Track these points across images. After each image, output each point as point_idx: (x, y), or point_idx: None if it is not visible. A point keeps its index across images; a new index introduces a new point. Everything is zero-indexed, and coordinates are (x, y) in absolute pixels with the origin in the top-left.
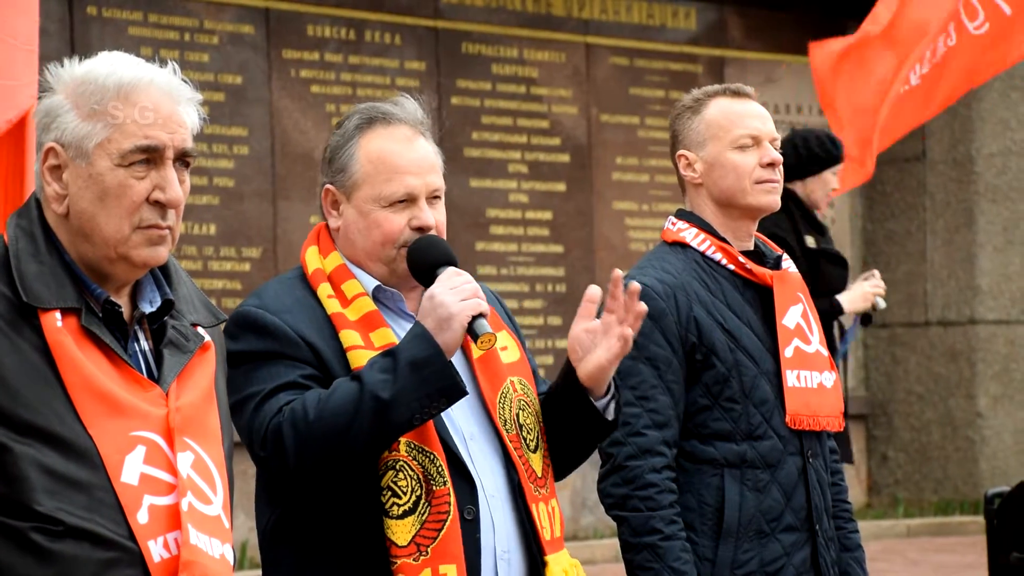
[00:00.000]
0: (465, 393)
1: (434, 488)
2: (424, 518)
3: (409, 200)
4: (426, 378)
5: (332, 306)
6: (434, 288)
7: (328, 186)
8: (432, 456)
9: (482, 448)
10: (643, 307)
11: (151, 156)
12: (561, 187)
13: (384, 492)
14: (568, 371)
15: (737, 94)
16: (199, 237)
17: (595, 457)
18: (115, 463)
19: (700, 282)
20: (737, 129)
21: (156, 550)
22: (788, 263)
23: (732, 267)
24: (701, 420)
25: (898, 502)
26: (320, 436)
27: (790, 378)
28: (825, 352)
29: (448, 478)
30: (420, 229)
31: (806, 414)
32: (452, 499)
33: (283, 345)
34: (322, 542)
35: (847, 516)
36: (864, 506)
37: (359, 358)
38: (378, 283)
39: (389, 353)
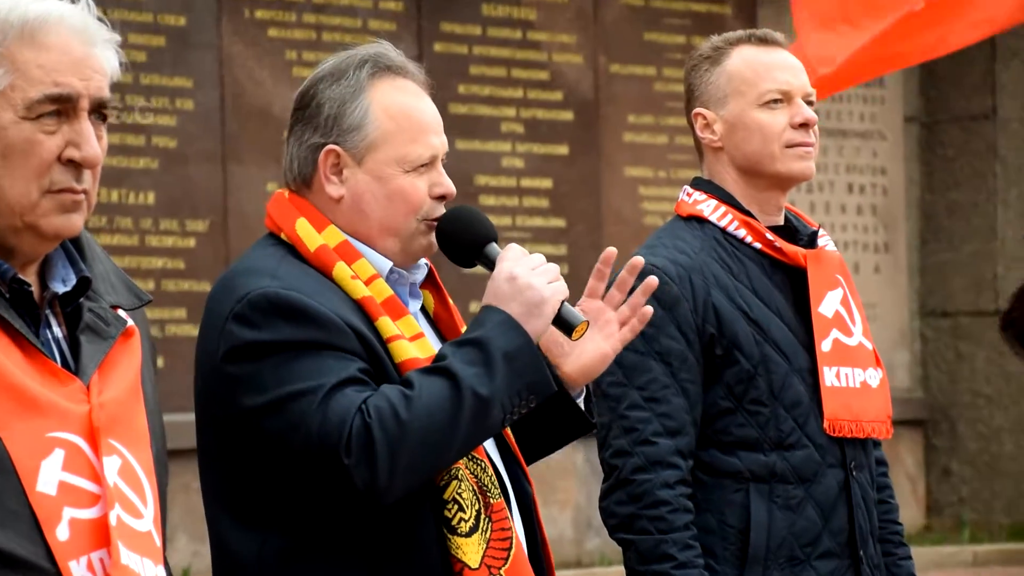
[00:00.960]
0: (555, 390)
1: (491, 501)
2: (488, 536)
3: (430, 163)
4: (519, 371)
5: (358, 289)
6: (513, 268)
7: (332, 147)
8: (483, 464)
9: (491, 450)
10: (653, 281)
11: (62, 107)
12: (563, 150)
13: (450, 506)
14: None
15: (764, 41)
16: (135, 207)
17: (598, 468)
18: (29, 470)
19: (720, 263)
20: (764, 83)
21: (79, 572)
22: (826, 240)
23: (758, 245)
24: (722, 426)
25: (963, 525)
26: (419, 440)
27: (828, 376)
28: (869, 345)
29: (499, 489)
30: (442, 198)
31: (847, 418)
32: (510, 514)
33: (331, 334)
34: (370, 567)
35: (897, 540)
36: (922, 529)
37: (405, 349)
38: (391, 264)
39: (467, 342)
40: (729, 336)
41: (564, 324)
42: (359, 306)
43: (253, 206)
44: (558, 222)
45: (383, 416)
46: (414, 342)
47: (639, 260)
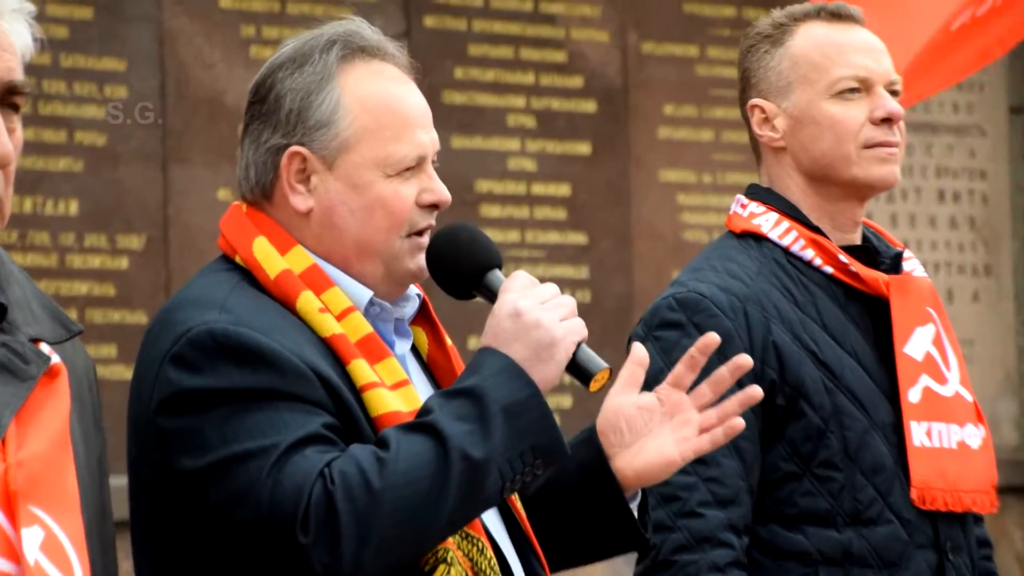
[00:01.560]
0: (567, 455)
1: None
2: None
3: (417, 165)
4: (522, 430)
5: (327, 325)
6: (518, 301)
7: (296, 149)
8: (480, 544)
9: (496, 528)
10: (757, 392)
11: None
12: (584, 149)
13: None
14: (593, 450)
15: (838, 17)
16: (53, 219)
17: None
18: None
19: (782, 291)
20: (837, 68)
21: None
22: (913, 263)
23: (829, 269)
24: (785, 495)
25: None
26: (394, 513)
27: (916, 433)
28: (969, 396)
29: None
30: (435, 206)
31: (941, 487)
32: None
33: (290, 381)
34: None
35: None
36: None
37: (383, 401)
38: (371, 293)
39: (460, 392)
40: (793, 382)
41: (580, 372)
42: (327, 346)
43: (200, 218)
44: (578, 238)
45: (350, 483)
46: (396, 391)
47: (746, 361)
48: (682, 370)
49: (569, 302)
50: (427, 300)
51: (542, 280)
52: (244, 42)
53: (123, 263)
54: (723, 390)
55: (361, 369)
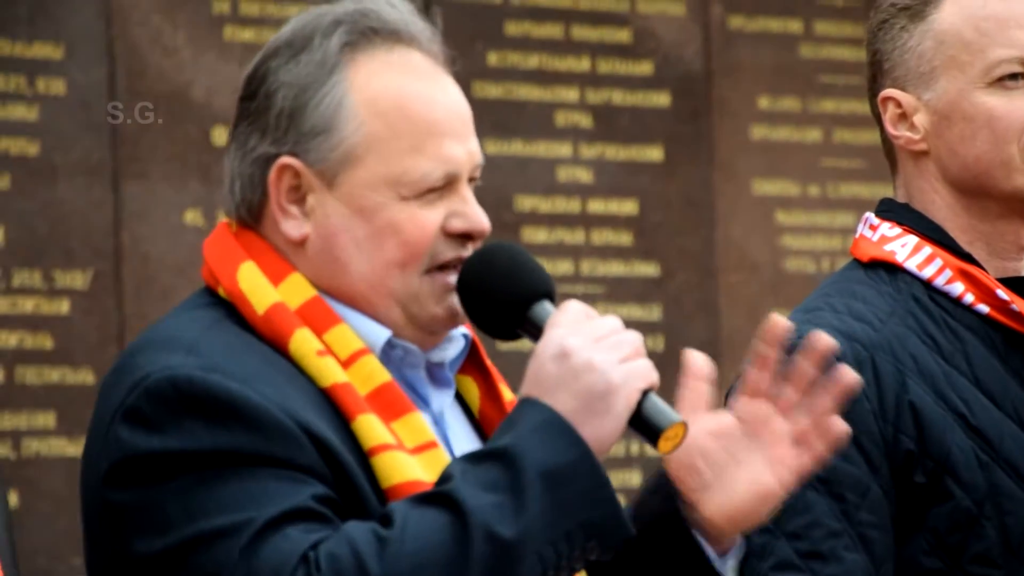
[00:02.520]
0: (631, 533)
1: None
2: None
3: (447, 186)
4: (568, 503)
5: (327, 372)
6: (566, 339)
7: (287, 160)
8: None
9: None
10: (852, 377)
11: None
12: (655, 154)
13: None
14: (665, 500)
15: None
16: None
17: None
18: None
19: (922, 337)
20: (997, 48)
21: None
22: None
23: (984, 309)
24: None
25: None
26: None
27: None
28: None
29: None
30: (467, 236)
31: None
32: None
33: (272, 441)
34: None
35: None
36: None
37: (398, 467)
38: (390, 333)
39: (491, 455)
40: (937, 454)
41: (646, 427)
42: (328, 398)
43: (162, 247)
44: (647, 269)
45: (341, 569)
46: (419, 455)
47: (823, 338)
48: (756, 373)
49: (633, 339)
50: (477, 341)
51: None
52: (216, 20)
53: (62, 307)
54: (809, 384)
55: (370, 427)
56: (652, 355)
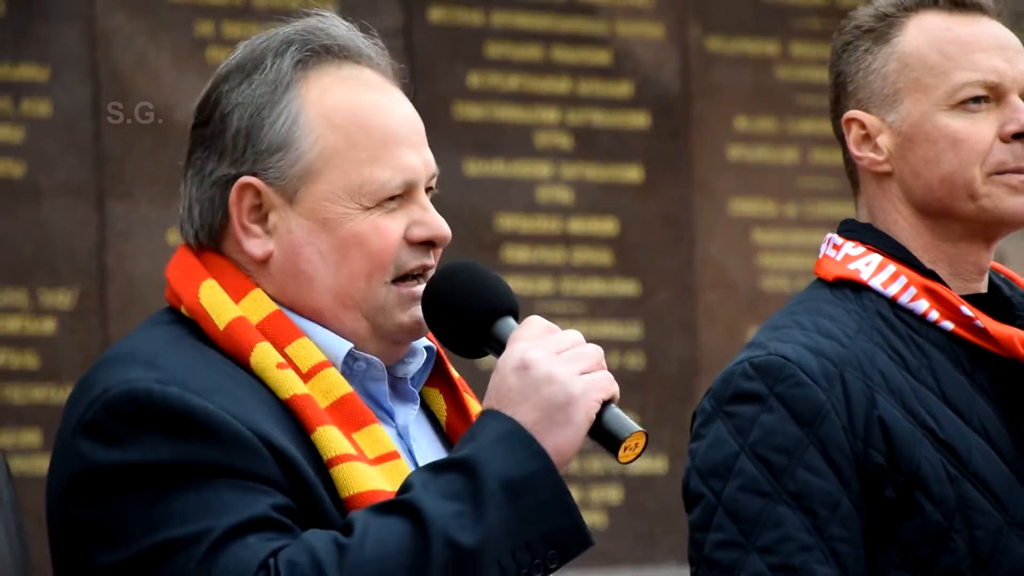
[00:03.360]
0: (592, 542)
1: None
2: None
3: (406, 194)
4: (529, 512)
5: (288, 382)
6: (527, 352)
7: (248, 180)
8: None
9: None
10: None
11: None
12: (634, 174)
13: None
14: None
15: (961, 5)
16: None
17: None
18: None
19: (889, 353)
20: (959, 71)
21: None
22: None
23: (949, 326)
24: None
25: None
26: None
27: None
28: None
29: None
30: (426, 244)
31: None
32: None
33: (231, 453)
34: None
35: None
36: None
37: (357, 477)
38: (351, 345)
39: (453, 465)
40: (907, 469)
41: (606, 438)
42: (288, 409)
43: (147, 267)
44: (627, 287)
45: None
46: (380, 466)
47: None
48: None
49: (593, 352)
50: (442, 354)
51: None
52: (198, 43)
53: (48, 326)
54: None
55: (329, 438)
56: (633, 373)
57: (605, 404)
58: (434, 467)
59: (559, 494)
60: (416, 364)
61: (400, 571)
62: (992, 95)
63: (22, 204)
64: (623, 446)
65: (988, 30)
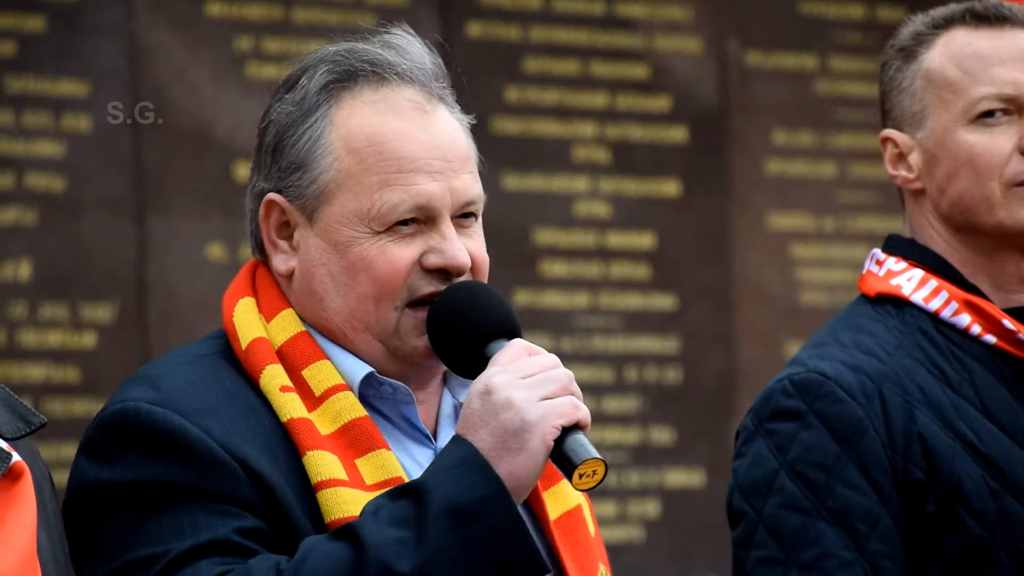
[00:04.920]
0: (546, 571)
1: None
2: None
3: (425, 220)
4: (477, 539)
5: (289, 406)
6: (492, 376)
7: (273, 197)
8: None
9: None
10: None
11: None
12: (672, 188)
13: None
14: None
15: (986, 20)
16: (0, 286)
17: None
18: None
19: (930, 369)
20: (976, 85)
21: None
22: None
23: (991, 340)
24: None
25: None
26: None
27: None
28: None
29: None
30: (443, 272)
31: None
32: None
33: (205, 475)
34: None
35: None
36: None
37: (340, 503)
38: (371, 369)
39: (406, 491)
40: (947, 484)
41: (562, 463)
42: (284, 431)
43: (186, 281)
44: (665, 302)
45: None
46: (377, 491)
47: None
48: None
49: (561, 377)
50: None
51: (610, 358)
52: (238, 59)
53: (89, 341)
54: None
55: (318, 463)
56: (670, 387)
57: (568, 430)
58: (391, 493)
59: (511, 520)
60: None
61: None
62: (1012, 107)
63: (62, 219)
64: (577, 472)
65: (1012, 42)
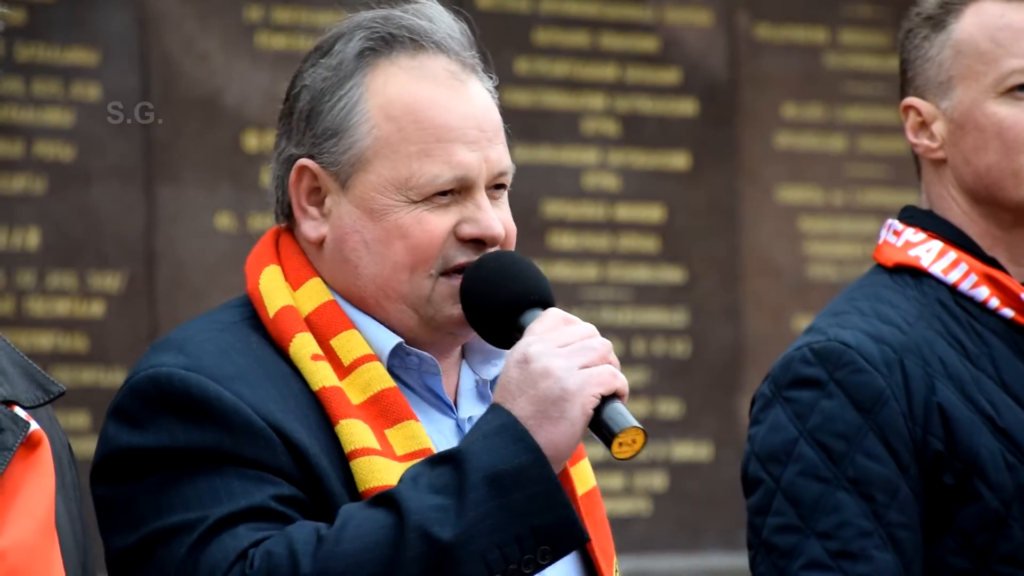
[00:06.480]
0: (585, 539)
1: None
2: None
3: (460, 190)
4: (518, 507)
5: (320, 374)
6: (530, 346)
7: (305, 162)
8: None
9: None
10: None
11: None
12: (681, 161)
13: None
14: None
15: None
16: (8, 254)
17: None
18: None
19: (949, 341)
20: (1009, 58)
21: None
22: None
23: (1009, 313)
24: None
25: None
26: None
27: None
28: None
29: None
30: (478, 242)
31: None
32: None
33: (241, 441)
34: None
35: None
36: None
37: (375, 471)
38: (399, 340)
39: (446, 458)
40: (965, 456)
41: (602, 432)
42: (315, 399)
43: (194, 250)
44: (673, 274)
45: (273, 567)
46: (409, 462)
47: None
48: None
49: (599, 346)
50: None
51: (620, 330)
52: (247, 28)
53: (98, 309)
54: None
55: (351, 431)
56: (679, 360)
57: (607, 399)
58: (430, 460)
59: (550, 488)
60: (497, 369)
61: (373, 563)
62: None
63: (71, 187)
64: (617, 441)
65: None
